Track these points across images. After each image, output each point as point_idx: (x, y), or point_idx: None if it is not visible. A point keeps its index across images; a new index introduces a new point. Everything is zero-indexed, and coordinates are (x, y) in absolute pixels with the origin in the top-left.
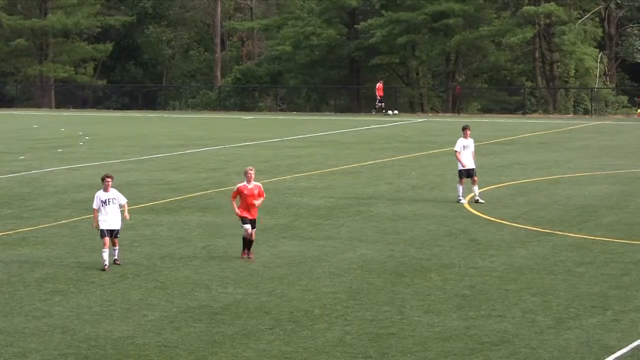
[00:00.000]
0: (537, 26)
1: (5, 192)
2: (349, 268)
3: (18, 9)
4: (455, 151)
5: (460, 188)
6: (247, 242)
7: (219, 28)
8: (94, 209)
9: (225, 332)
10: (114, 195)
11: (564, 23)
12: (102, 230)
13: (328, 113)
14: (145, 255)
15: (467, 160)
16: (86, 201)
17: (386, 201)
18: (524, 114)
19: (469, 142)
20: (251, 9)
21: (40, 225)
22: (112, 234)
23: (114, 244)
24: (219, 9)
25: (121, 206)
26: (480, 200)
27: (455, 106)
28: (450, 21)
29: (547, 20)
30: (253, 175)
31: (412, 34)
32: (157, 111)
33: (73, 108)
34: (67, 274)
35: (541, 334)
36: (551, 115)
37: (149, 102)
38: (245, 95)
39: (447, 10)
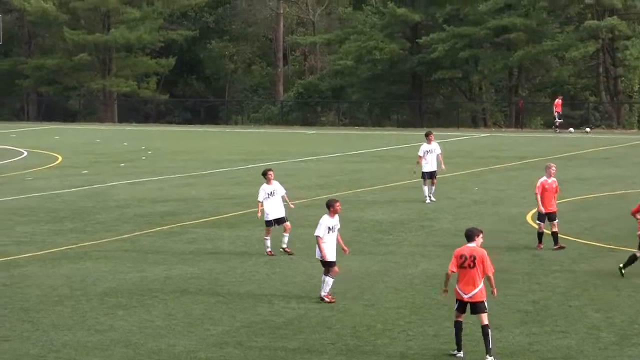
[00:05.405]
0: (600, 41)
1: (69, 206)
2: (411, 283)
3: (81, 24)
4: (419, 156)
5: (425, 189)
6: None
7: (281, 43)
8: (259, 202)
9: (288, 347)
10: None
11: (628, 38)
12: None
13: (390, 128)
14: (207, 269)
15: (431, 164)
16: (148, 215)
17: (448, 216)
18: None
19: (433, 147)
20: (313, 23)
21: (103, 240)
22: (278, 222)
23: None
24: (281, 24)
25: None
26: (432, 199)
27: (519, 121)
28: (513, 36)
29: (610, 35)
30: (554, 171)
31: (474, 48)
32: (219, 126)
33: (136, 122)
34: (130, 288)
35: (605, 350)
36: (615, 130)
37: (211, 116)
38: (307, 109)
39: (509, 25)
